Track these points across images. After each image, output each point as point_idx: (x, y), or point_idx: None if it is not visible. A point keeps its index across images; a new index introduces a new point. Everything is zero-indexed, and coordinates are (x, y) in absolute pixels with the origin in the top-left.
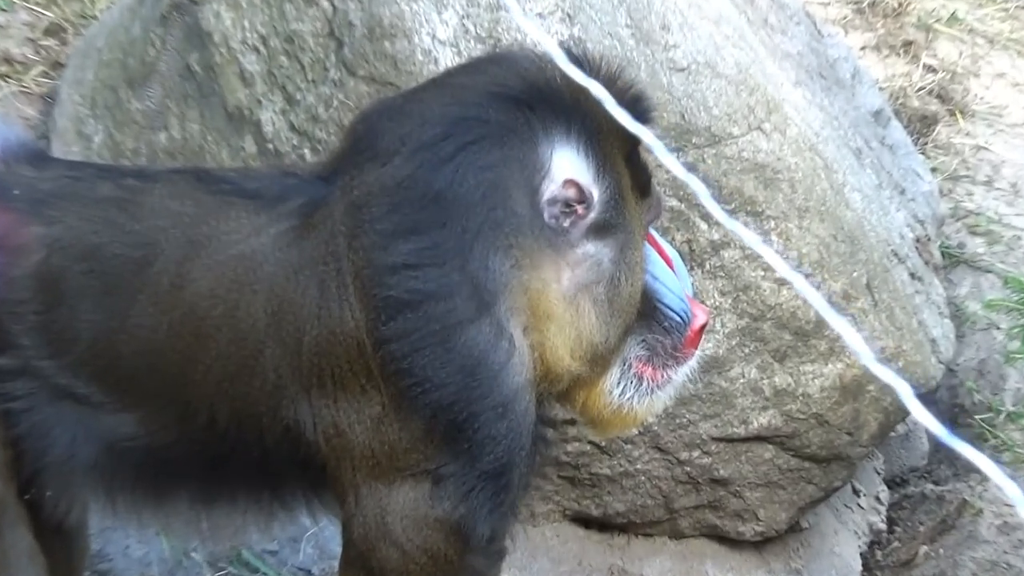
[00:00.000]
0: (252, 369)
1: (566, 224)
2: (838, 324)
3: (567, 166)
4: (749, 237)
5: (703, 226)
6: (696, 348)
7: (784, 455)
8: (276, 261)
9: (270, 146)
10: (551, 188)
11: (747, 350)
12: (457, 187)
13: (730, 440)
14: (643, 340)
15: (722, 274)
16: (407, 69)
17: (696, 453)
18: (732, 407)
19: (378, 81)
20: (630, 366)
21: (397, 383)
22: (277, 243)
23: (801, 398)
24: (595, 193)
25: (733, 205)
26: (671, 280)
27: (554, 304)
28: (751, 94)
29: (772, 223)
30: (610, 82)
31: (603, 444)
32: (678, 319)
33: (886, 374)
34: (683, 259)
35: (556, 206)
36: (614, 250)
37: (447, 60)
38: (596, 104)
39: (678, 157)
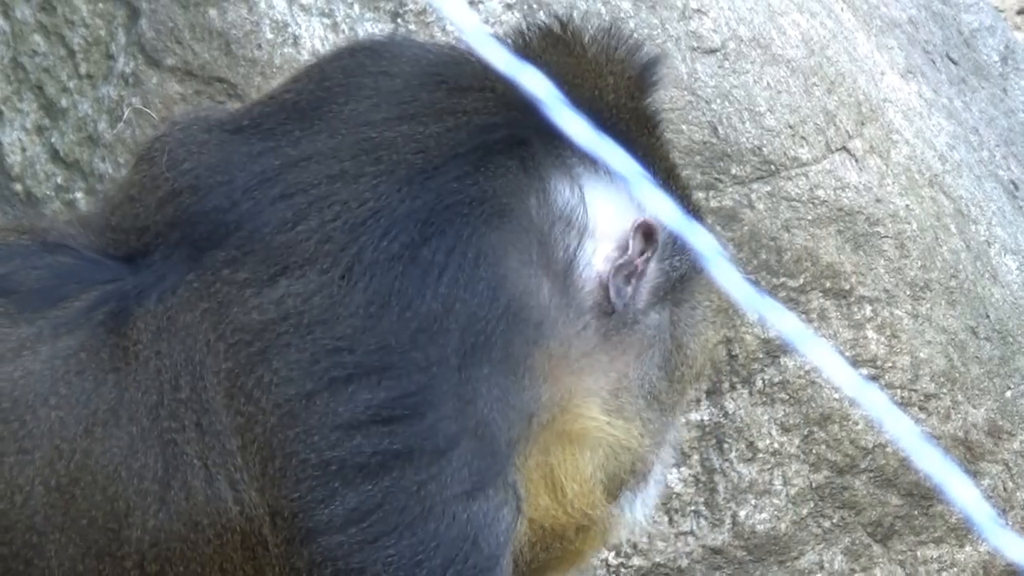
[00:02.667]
0: None
1: (628, 295)
2: (943, 472)
3: (613, 205)
4: (794, 328)
5: (748, 318)
6: None
7: None
8: (62, 402)
9: (17, 187)
10: (602, 249)
11: (827, 523)
12: (455, 305)
13: None
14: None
15: (783, 396)
16: (247, 54)
17: None
18: None
19: (198, 76)
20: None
21: None
22: (59, 372)
23: None
24: (659, 227)
25: (802, 279)
26: None
27: (594, 423)
28: (830, 91)
29: (868, 309)
30: (599, 60)
31: None
32: None
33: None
34: (722, 371)
35: (621, 274)
36: (681, 298)
37: (315, 39)
38: (603, 81)
39: (707, 198)
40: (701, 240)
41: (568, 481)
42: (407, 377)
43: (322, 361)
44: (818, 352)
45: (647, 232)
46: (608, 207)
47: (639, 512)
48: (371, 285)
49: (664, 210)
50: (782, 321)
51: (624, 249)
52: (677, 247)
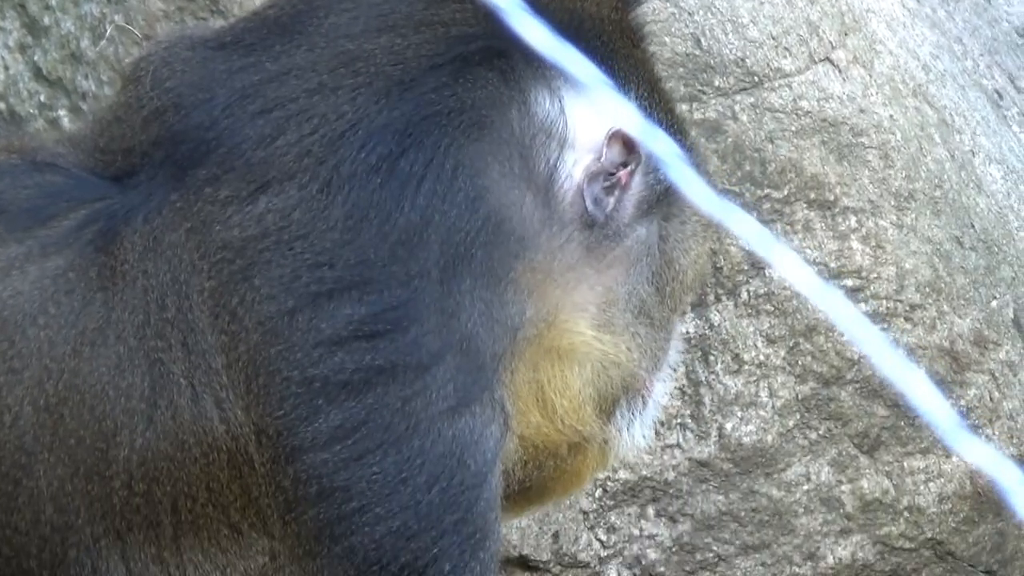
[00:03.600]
0: (13, 499)
1: (610, 206)
2: (894, 366)
3: (592, 116)
4: (761, 236)
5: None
6: None
7: None
8: (51, 322)
9: (0, 106)
10: (581, 160)
11: (813, 435)
12: (433, 216)
13: None
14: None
15: (769, 308)
16: None
17: None
18: (790, 531)
19: None
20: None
21: (315, 515)
22: (48, 291)
23: (907, 515)
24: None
25: (786, 190)
26: None
27: (582, 337)
28: (813, 1)
29: (852, 219)
30: None
31: None
32: None
33: (990, 458)
34: (707, 283)
35: (597, 182)
36: (671, 213)
37: None
38: None
39: (690, 110)
40: (671, 152)
41: (557, 397)
42: (388, 291)
43: (303, 277)
44: (785, 261)
45: (627, 143)
46: (588, 119)
47: (637, 433)
48: (350, 198)
49: (642, 122)
50: (749, 228)
51: (598, 159)
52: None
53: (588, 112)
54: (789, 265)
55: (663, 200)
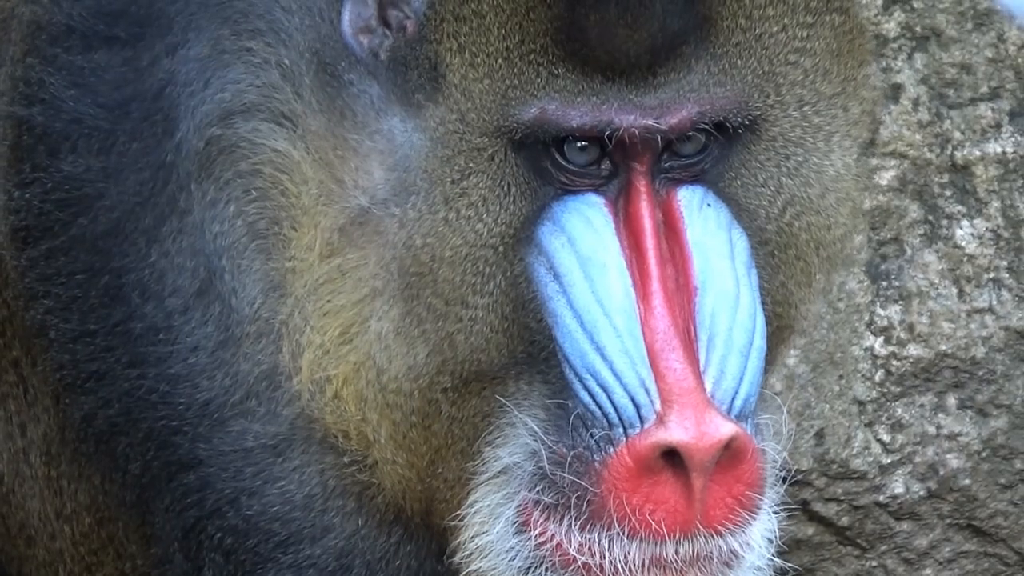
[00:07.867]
0: None
1: (366, 47)
2: None
3: None
4: None
5: None
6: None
7: None
8: None
9: None
10: None
11: None
12: None
13: None
14: (551, 444)
15: None
16: None
17: None
18: None
19: None
20: (512, 498)
21: (48, 363)
22: None
23: None
24: None
25: None
26: (624, 317)
27: (322, 245)
28: None
29: None
30: None
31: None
32: (606, 407)
33: None
34: None
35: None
36: (425, 152)
37: None
38: None
39: None
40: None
41: (321, 341)
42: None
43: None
44: None
45: None
46: None
47: (478, 536)
48: None
49: None
50: None
51: None
52: (417, 39)
53: None
54: None
55: (423, 107)
